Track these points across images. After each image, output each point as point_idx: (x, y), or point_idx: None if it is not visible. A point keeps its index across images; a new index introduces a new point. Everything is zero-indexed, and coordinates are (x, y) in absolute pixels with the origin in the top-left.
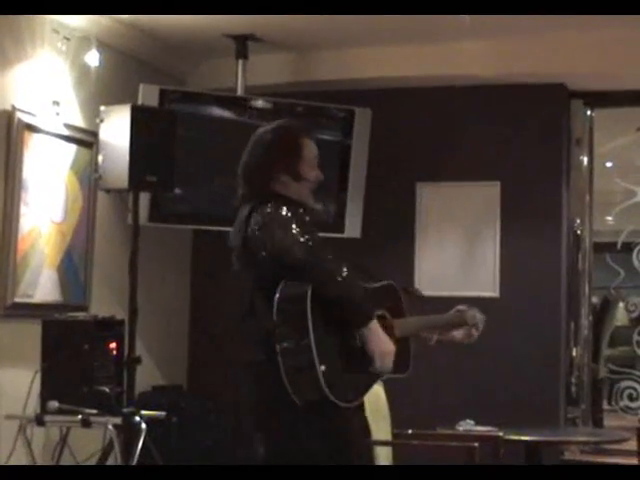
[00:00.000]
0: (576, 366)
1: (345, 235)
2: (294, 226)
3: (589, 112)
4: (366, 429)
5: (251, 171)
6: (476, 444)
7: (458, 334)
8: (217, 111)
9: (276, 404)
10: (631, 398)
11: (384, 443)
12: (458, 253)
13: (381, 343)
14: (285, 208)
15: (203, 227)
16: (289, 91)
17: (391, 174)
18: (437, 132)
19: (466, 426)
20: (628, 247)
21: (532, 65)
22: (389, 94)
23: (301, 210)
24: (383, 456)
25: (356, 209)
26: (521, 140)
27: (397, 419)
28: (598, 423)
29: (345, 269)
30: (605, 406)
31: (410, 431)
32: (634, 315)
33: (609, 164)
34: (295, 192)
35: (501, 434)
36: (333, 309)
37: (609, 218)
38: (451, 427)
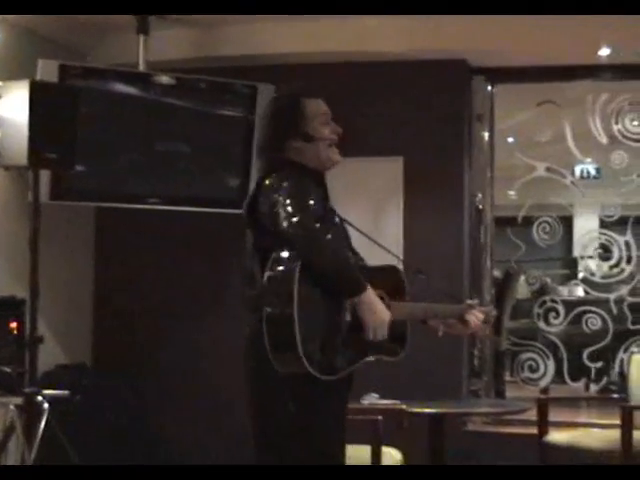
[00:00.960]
0: (478, 339)
1: None
2: (289, 200)
3: (490, 88)
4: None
5: (263, 145)
6: (380, 417)
7: (462, 328)
8: (120, 87)
9: (261, 369)
10: (532, 369)
11: None
12: (362, 228)
13: (373, 313)
14: (289, 179)
15: (107, 204)
16: (192, 67)
17: None
18: (340, 108)
19: (370, 400)
20: (529, 221)
21: (434, 42)
22: (293, 70)
23: (307, 179)
24: None
25: None
26: (424, 116)
27: None
28: (500, 394)
29: (337, 245)
30: (507, 377)
31: None
32: (535, 288)
33: (511, 139)
34: (312, 154)
35: (404, 407)
36: (325, 281)
37: (511, 193)
38: (356, 401)
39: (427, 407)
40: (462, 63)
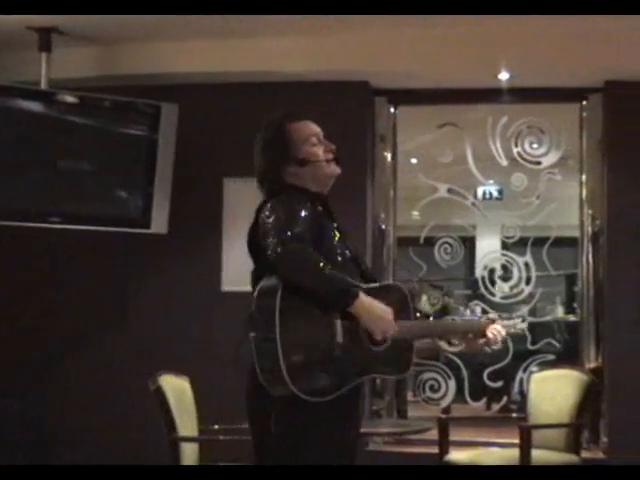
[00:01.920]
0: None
1: (152, 230)
2: (276, 225)
3: (392, 110)
4: (348, 426)
5: (261, 174)
6: None
7: (480, 345)
8: (23, 104)
9: (255, 392)
10: (433, 389)
11: (189, 439)
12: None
13: (373, 315)
14: (281, 203)
15: (7, 223)
16: (96, 85)
17: (199, 170)
18: (244, 128)
19: None
20: (430, 242)
21: (337, 63)
22: (197, 89)
23: (303, 201)
24: (189, 452)
25: (163, 204)
26: (326, 136)
27: (203, 415)
28: (402, 414)
29: (322, 263)
30: (410, 397)
31: (216, 426)
32: (436, 308)
33: (414, 160)
34: (310, 177)
35: None
36: (313, 298)
37: (415, 213)
38: None
39: None
40: (364, 85)
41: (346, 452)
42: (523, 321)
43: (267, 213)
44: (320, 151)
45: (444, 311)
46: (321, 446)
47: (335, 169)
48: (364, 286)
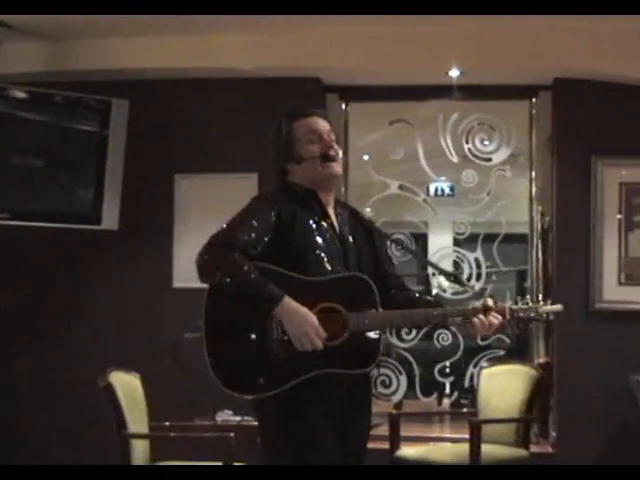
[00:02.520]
0: None
1: (102, 227)
2: (226, 226)
3: (344, 106)
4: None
5: (272, 169)
6: (232, 434)
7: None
8: None
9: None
10: (385, 385)
11: (141, 436)
12: None
13: (292, 324)
14: (249, 204)
15: None
16: (46, 80)
17: (150, 166)
18: (195, 124)
19: (224, 416)
20: None
21: (289, 59)
22: (148, 85)
23: (281, 201)
24: (139, 449)
25: (113, 200)
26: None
27: (154, 411)
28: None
29: (246, 266)
30: None
31: (167, 423)
32: None
33: (366, 157)
34: (303, 174)
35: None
36: (240, 303)
37: (367, 209)
38: (210, 417)
39: None
40: (316, 81)
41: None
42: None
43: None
44: (316, 149)
45: None
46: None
47: (333, 169)
48: (320, 279)
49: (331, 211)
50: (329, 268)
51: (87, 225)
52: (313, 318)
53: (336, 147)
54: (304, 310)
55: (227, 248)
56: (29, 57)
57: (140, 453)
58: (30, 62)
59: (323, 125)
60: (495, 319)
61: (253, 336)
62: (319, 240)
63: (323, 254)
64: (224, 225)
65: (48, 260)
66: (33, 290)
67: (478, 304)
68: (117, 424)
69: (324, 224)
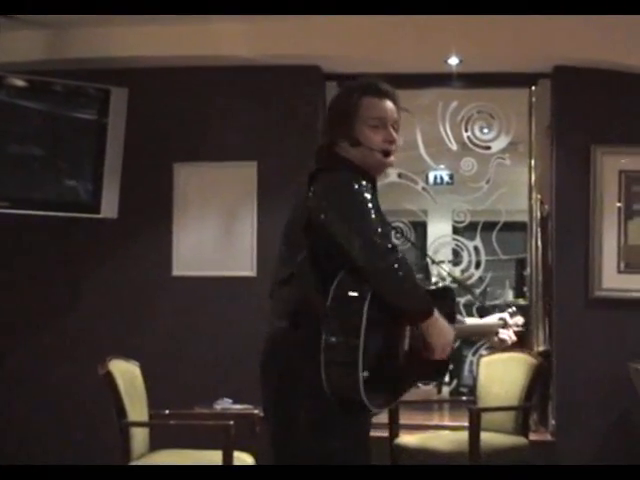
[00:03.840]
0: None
1: (101, 215)
2: (356, 217)
3: None
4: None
5: (321, 134)
6: (231, 422)
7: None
8: None
9: (285, 378)
10: None
11: (140, 424)
12: (216, 233)
13: (441, 333)
14: (349, 185)
15: None
16: (45, 69)
17: (149, 154)
18: (195, 112)
19: (223, 404)
20: None
21: (287, 47)
22: (147, 73)
23: (363, 182)
24: (139, 437)
25: (113, 189)
26: (277, 121)
27: (154, 400)
28: None
29: (412, 270)
30: None
31: (167, 411)
32: None
33: None
34: (359, 159)
35: (257, 411)
36: (392, 311)
37: None
38: (209, 406)
39: None
40: (315, 69)
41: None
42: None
43: (326, 196)
44: (379, 138)
45: None
46: (353, 444)
47: (388, 161)
48: (430, 288)
49: None
50: None
51: (86, 214)
52: (452, 330)
53: (396, 140)
54: (447, 323)
55: (393, 251)
56: (28, 45)
57: (140, 441)
58: (29, 50)
59: (392, 113)
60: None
61: (393, 348)
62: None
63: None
64: (359, 224)
65: (47, 249)
66: (32, 279)
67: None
68: (117, 412)
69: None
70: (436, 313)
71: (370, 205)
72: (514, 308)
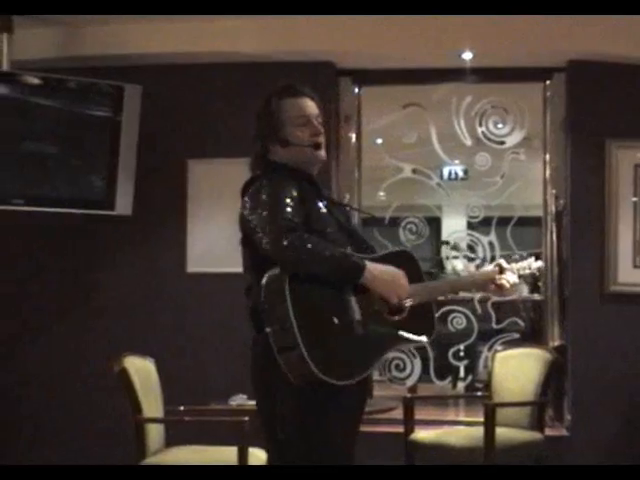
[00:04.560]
0: None
1: (116, 212)
2: (265, 214)
3: (357, 90)
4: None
5: (253, 144)
6: (246, 418)
7: (498, 292)
8: None
9: (272, 379)
10: (399, 368)
11: (156, 420)
12: (231, 229)
13: (385, 280)
14: (268, 187)
15: None
16: (59, 66)
17: (163, 151)
18: (208, 109)
19: (238, 401)
20: (395, 222)
21: (301, 43)
22: (160, 70)
23: (291, 181)
24: (154, 433)
25: (127, 186)
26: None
27: (169, 396)
28: (368, 393)
29: (321, 244)
30: (375, 377)
31: (182, 407)
32: None
33: (379, 141)
34: (291, 159)
35: None
36: (322, 282)
37: (381, 194)
38: (224, 402)
39: None
40: (329, 65)
41: (353, 435)
42: (537, 259)
43: (251, 202)
44: (306, 134)
45: None
46: (342, 429)
47: (320, 155)
48: (373, 256)
49: None
50: (338, 239)
51: (100, 210)
52: (399, 271)
53: (323, 132)
54: (388, 266)
55: (294, 230)
56: (42, 43)
57: (155, 438)
58: (43, 48)
59: (313, 108)
60: (511, 278)
61: (339, 319)
62: (333, 225)
63: (337, 239)
64: (263, 212)
65: (61, 246)
66: (46, 276)
67: (491, 267)
68: (132, 409)
69: (322, 198)
70: (370, 265)
71: (283, 197)
72: (524, 254)
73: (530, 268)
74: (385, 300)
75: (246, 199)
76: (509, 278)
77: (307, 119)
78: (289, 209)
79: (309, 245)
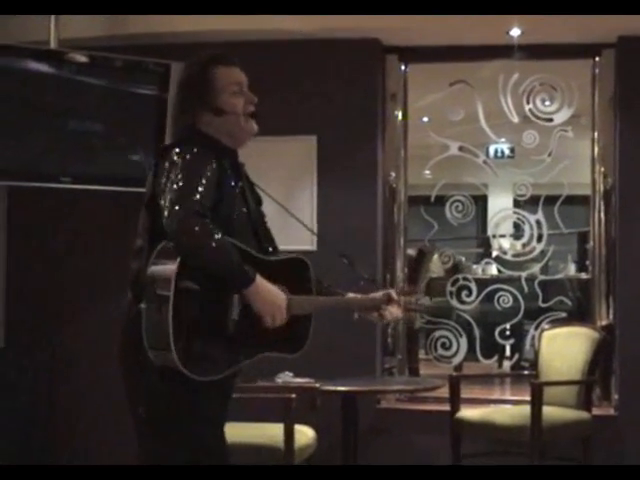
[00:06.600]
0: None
1: None
2: (176, 187)
3: (403, 67)
4: (219, 417)
5: (174, 116)
6: (293, 395)
7: (377, 318)
8: (32, 65)
9: (138, 356)
10: (445, 347)
11: None
12: (275, 208)
13: (266, 301)
14: (187, 159)
15: (19, 184)
16: (105, 45)
17: None
18: (253, 86)
19: (285, 378)
20: (441, 200)
21: (346, 20)
22: (206, 48)
23: (210, 156)
24: None
25: None
26: (337, 94)
27: None
28: (414, 372)
29: (219, 235)
30: (422, 355)
31: None
32: (448, 266)
33: (425, 119)
34: (223, 129)
35: (317, 385)
36: (210, 278)
37: (427, 172)
38: (270, 379)
39: (340, 385)
40: (375, 42)
41: (218, 432)
42: (424, 297)
43: (167, 166)
44: (240, 103)
45: (455, 270)
46: (193, 422)
47: (253, 126)
48: (269, 259)
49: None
50: (247, 240)
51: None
52: (284, 296)
53: (256, 101)
54: (276, 289)
55: (202, 217)
56: (88, 21)
57: None
58: (89, 26)
59: (244, 78)
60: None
61: (215, 314)
62: (242, 209)
63: (243, 224)
64: (174, 186)
65: (108, 223)
66: (93, 253)
67: (380, 295)
68: None
69: (238, 180)
70: (259, 280)
71: (199, 176)
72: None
73: (415, 304)
74: (259, 318)
75: (166, 164)
76: (393, 311)
77: (241, 87)
78: (201, 189)
79: (213, 244)
